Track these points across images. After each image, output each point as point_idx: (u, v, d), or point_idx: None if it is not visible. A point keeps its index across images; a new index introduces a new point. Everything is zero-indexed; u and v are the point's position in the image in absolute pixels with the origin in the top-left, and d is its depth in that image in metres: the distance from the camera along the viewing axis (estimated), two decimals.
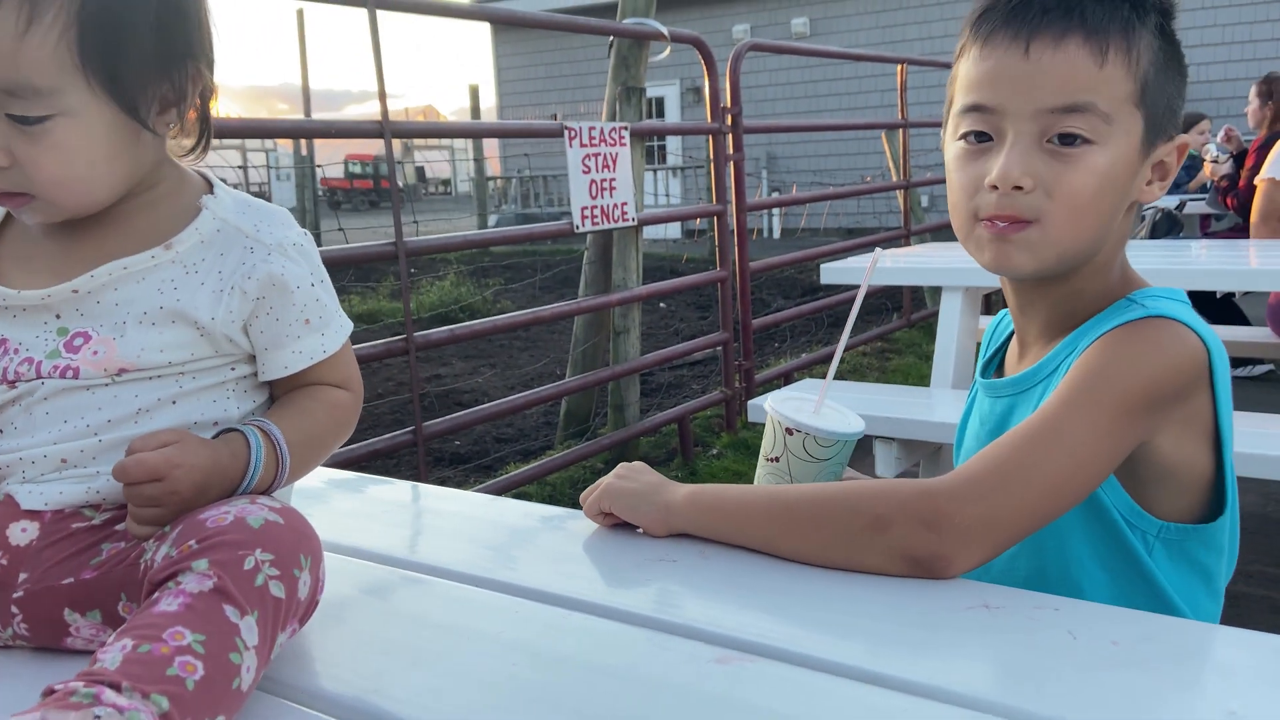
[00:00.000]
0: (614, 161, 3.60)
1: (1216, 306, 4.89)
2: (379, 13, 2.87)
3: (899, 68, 6.11)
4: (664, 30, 3.92)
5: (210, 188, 0.87)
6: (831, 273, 3.21)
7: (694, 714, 0.66)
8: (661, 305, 7.80)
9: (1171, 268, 2.93)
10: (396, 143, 2.98)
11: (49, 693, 0.59)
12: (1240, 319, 4.86)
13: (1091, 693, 0.66)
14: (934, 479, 0.85)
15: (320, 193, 18.00)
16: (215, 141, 0.90)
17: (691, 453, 4.04)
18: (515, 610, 0.83)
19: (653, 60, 4.07)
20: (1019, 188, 0.90)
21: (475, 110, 16.00)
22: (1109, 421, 0.85)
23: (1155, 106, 0.92)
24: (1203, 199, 5.66)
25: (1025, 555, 0.96)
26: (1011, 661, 0.71)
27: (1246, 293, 4.93)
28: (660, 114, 14.48)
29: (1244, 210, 4.82)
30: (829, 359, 5.33)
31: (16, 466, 0.80)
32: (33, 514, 0.78)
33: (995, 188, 0.91)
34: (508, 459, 4.05)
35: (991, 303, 5.36)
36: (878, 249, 1.20)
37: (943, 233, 6.04)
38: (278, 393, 0.88)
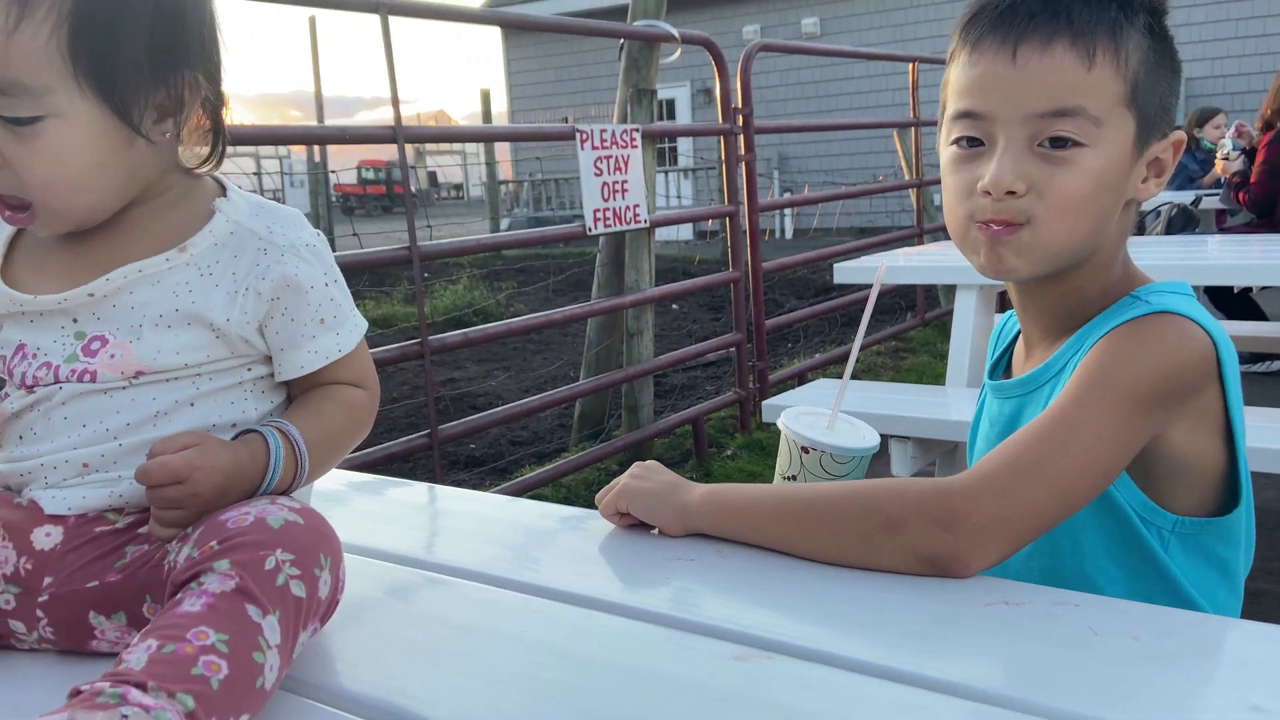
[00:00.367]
0: (626, 164, 3.61)
1: (1234, 302, 4.86)
2: (390, 18, 2.89)
3: (910, 66, 6.09)
4: (675, 32, 3.92)
5: (224, 191, 0.87)
6: (844, 272, 3.21)
7: (714, 711, 0.66)
8: (674, 306, 7.80)
9: (1188, 263, 2.92)
10: (409, 148, 2.99)
11: (75, 693, 0.60)
12: (1258, 314, 4.82)
13: (1112, 688, 0.65)
14: (948, 478, 0.85)
15: (334, 198, 18.08)
16: (229, 149, 0.89)
17: (706, 454, 4.04)
18: (535, 610, 0.83)
19: (663, 62, 4.07)
20: (1012, 192, 0.90)
21: (487, 114, 16.04)
22: (1119, 417, 0.85)
23: (1147, 106, 0.92)
24: (1217, 194, 5.62)
25: (1040, 554, 0.96)
26: (1031, 658, 0.71)
27: (1264, 288, 4.89)
28: (671, 115, 14.48)
29: (1256, 206, 4.79)
30: (843, 359, 5.32)
31: (39, 472, 0.80)
32: (56, 519, 0.79)
33: (988, 193, 0.91)
34: (522, 461, 4.06)
35: (1005, 301, 5.33)
36: (881, 261, 1.20)
37: None
38: (295, 393, 0.88)
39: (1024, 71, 0.89)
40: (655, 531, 0.98)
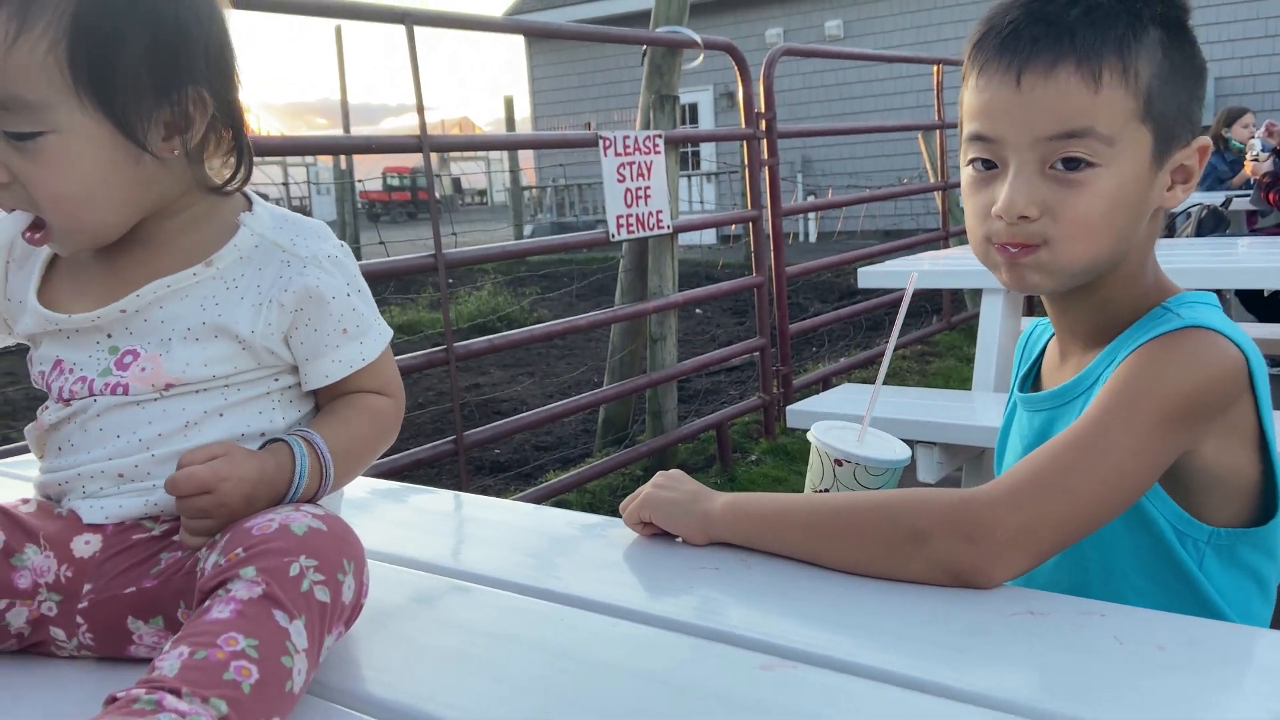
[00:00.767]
0: (649, 170, 3.62)
1: (1264, 304, 4.80)
2: (415, 28, 2.91)
3: (935, 68, 6.06)
4: (697, 38, 3.93)
5: (249, 205, 0.88)
6: (869, 277, 3.19)
7: None
8: (698, 311, 7.80)
9: (1218, 266, 2.88)
10: (434, 155, 3.01)
11: (111, 700, 0.61)
12: None
13: (1136, 697, 0.65)
14: (972, 489, 0.85)
15: (359, 205, 18.22)
16: (256, 158, 0.90)
17: (730, 459, 4.03)
18: (561, 618, 0.84)
19: (686, 68, 4.08)
20: (1025, 216, 0.89)
21: (510, 120, 16.12)
22: (1150, 432, 0.85)
23: (1164, 116, 0.90)
24: (1247, 195, 5.55)
25: (1068, 568, 0.96)
26: (1056, 667, 0.71)
27: None
28: (694, 119, 14.49)
29: None
30: (867, 363, 5.30)
31: (76, 482, 0.82)
32: (95, 527, 0.81)
33: (1002, 217, 0.91)
34: (547, 467, 4.07)
35: (1034, 304, 5.29)
36: (913, 273, 1.20)
37: None
38: (322, 401, 0.90)
39: (1029, 97, 0.88)
40: (679, 540, 0.98)
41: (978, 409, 2.59)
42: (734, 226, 7.68)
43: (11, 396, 5.46)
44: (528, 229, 14.87)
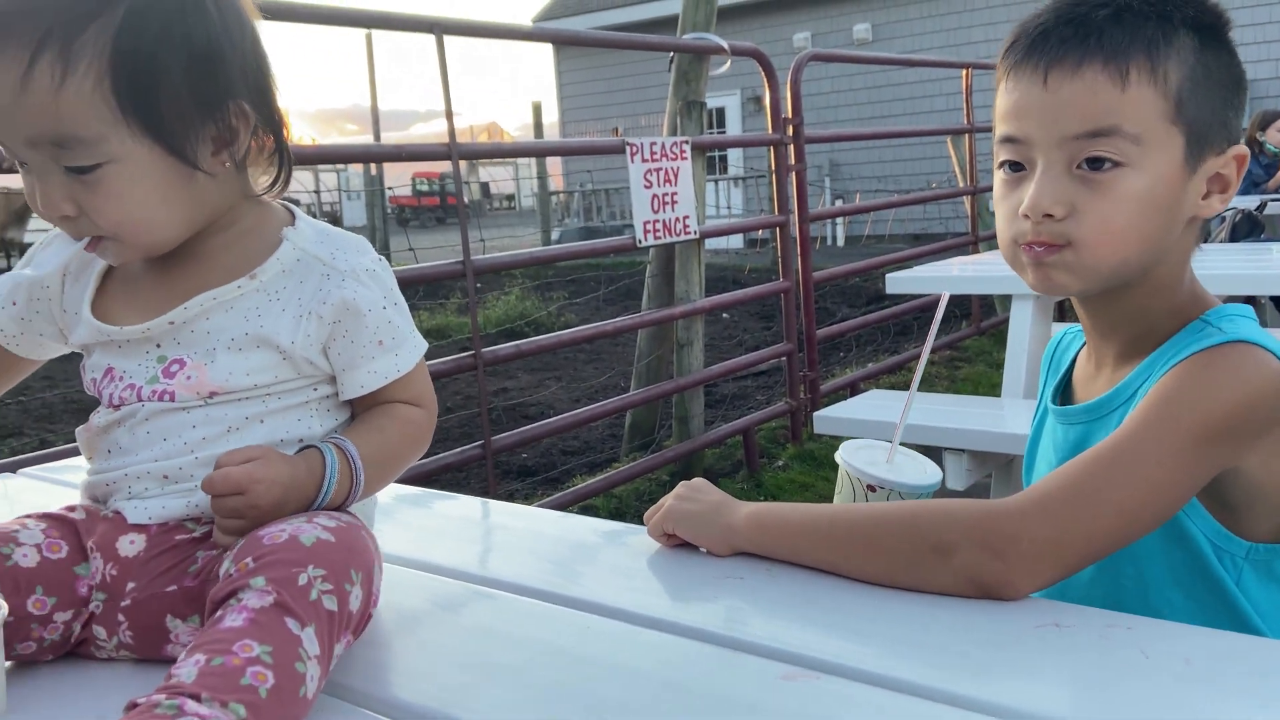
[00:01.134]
0: (675, 175, 3.62)
1: None
2: (444, 36, 2.94)
3: (964, 71, 6.03)
4: (724, 45, 3.93)
5: (293, 219, 0.91)
6: (897, 283, 3.18)
7: None
8: (724, 316, 7.79)
9: (1252, 272, 2.84)
10: (462, 161, 3.04)
11: (132, 706, 0.63)
12: None
13: (1162, 711, 0.65)
14: (999, 500, 0.84)
15: (389, 211, 18.38)
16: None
17: (757, 464, 4.03)
18: (586, 626, 0.85)
19: (713, 74, 4.08)
20: (1050, 215, 0.89)
21: (538, 126, 16.20)
22: (1187, 449, 0.83)
23: (1196, 120, 0.90)
24: None
25: (1102, 583, 0.95)
26: (1082, 680, 0.71)
27: None
28: (721, 123, 14.48)
29: None
30: (895, 369, 5.27)
31: (123, 483, 0.85)
32: (140, 528, 0.84)
33: (1028, 216, 0.91)
34: (574, 471, 4.08)
35: (1065, 311, 5.25)
36: (945, 292, 1.20)
37: None
38: (357, 410, 0.92)
39: (1056, 95, 0.89)
40: (703, 550, 0.98)
41: (1007, 416, 2.57)
42: (761, 231, 7.67)
43: (49, 400, 5.56)
44: (555, 234, 14.93)
